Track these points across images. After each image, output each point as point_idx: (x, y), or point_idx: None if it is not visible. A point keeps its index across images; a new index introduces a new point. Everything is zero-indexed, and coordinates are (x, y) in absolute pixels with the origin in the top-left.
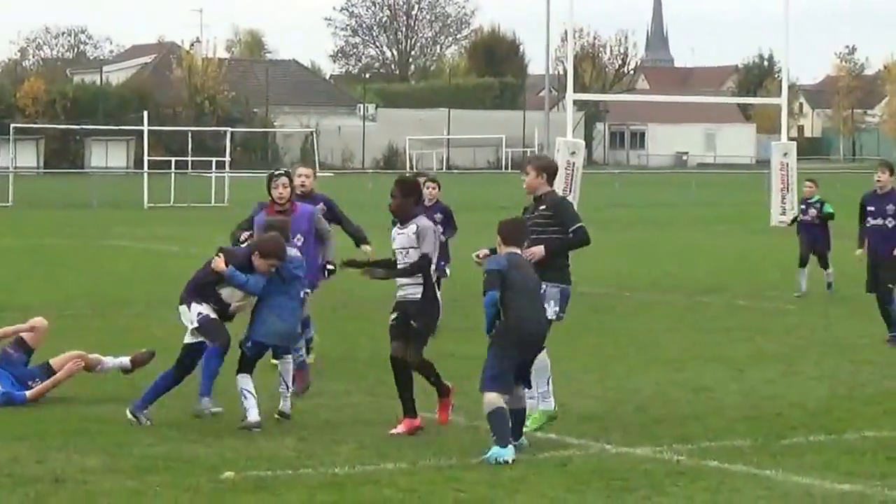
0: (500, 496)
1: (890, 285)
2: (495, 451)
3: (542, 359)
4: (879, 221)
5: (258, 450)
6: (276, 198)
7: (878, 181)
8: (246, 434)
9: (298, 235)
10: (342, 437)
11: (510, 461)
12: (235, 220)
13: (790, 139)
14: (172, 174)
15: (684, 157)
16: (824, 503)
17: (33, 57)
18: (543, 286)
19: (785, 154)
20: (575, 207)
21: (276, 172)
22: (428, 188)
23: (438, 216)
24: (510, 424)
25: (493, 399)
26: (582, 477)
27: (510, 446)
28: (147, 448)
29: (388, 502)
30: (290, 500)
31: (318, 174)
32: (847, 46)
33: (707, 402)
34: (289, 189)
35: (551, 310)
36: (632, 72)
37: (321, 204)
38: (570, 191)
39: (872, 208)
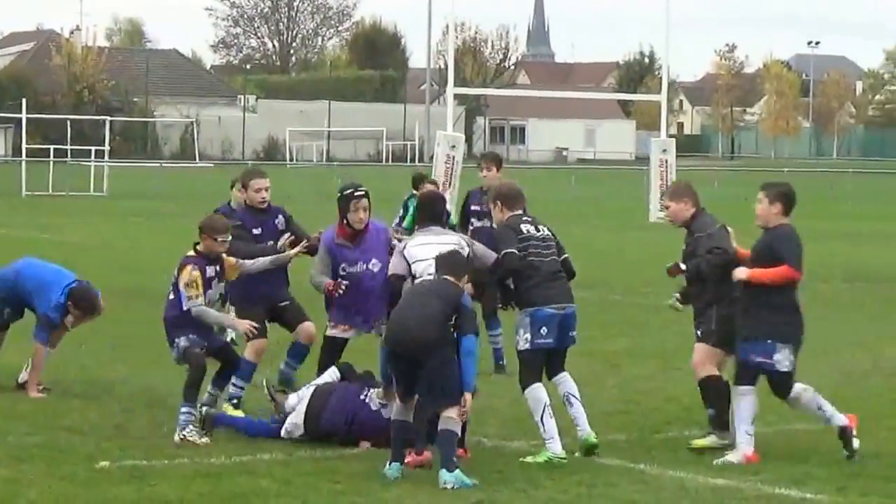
0: (376, 489)
1: None
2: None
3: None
4: None
5: (134, 439)
6: (353, 222)
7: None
8: (121, 424)
9: (374, 261)
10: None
11: (388, 478)
12: (114, 210)
13: (669, 136)
14: (51, 162)
15: (564, 153)
16: (698, 496)
17: None
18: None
19: (664, 151)
20: (452, 203)
21: (356, 193)
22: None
23: None
24: (403, 438)
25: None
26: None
27: (394, 464)
28: (23, 437)
29: (264, 493)
30: (165, 490)
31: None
32: (727, 44)
33: (582, 397)
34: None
35: (521, 339)
36: (513, 67)
37: (280, 217)
38: (450, 185)
39: None
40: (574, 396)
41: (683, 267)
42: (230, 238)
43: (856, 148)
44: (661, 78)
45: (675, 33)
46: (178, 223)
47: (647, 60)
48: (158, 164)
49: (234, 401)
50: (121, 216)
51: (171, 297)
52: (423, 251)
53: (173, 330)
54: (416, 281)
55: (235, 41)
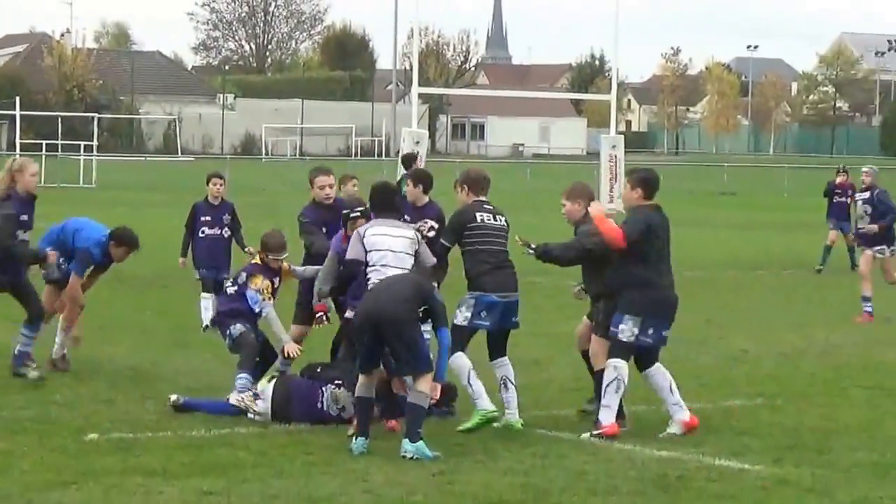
0: (345, 459)
1: None
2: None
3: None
4: None
5: (121, 413)
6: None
7: None
8: (109, 399)
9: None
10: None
11: (354, 451)
12: (101, 201)
13: (618, 133)
14: (43, 156)
15: (521, 148)
16: (644, 467)
17: None
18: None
19: (613, 147)
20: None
21: (352, 215)
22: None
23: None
24: (367, 414)
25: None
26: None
27: (359, 439)
28: (17, 411)
29: (242, 463)
30: (150, 460)
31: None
32: (672, 48)
33: (538, 375)
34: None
35: (461, 315)
36: (473, 68)
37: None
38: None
39: None
40: (510, 381)
41: (533, 245)
42: (285, 255)
43: (791, 144)
44: (610, 79)
45: (624, 37)
46: (161, 212)
47: (597, 63)
48: (143, 158)
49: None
50: (108, 206)
51: (232, 290)
52: (379, 241)
53: (228, 319)
54: (370, 267)
55: (215, 44)
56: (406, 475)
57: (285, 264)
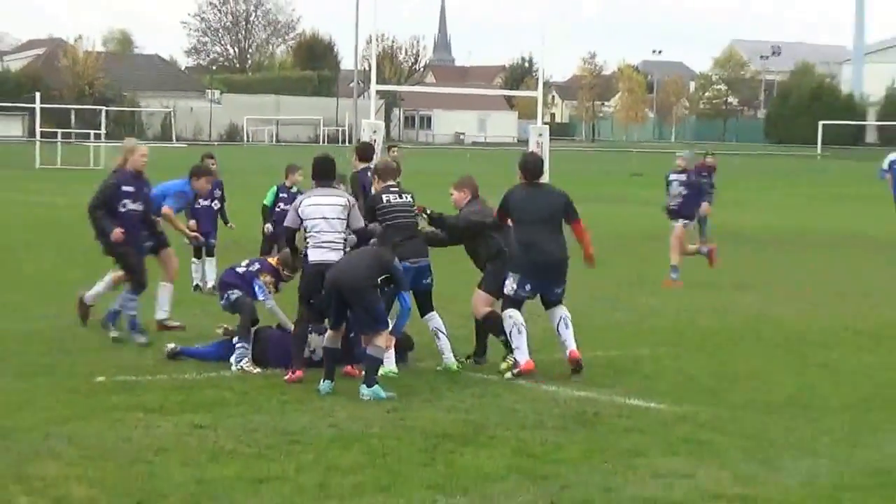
0: (313, 398)
1: None
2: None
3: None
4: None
5: (125, 360)
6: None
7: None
8: (115, 347)
9: None
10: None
11: (321, 392)
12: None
13: (544, 123)
14: (59, 143)
15: (462, 137)
16: (566, 405)
17: None
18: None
19: (539, 135)
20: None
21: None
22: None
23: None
24: (333, 362)
25: (326, 336)
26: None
27: (326, 381)
28: (36, 357)
29: (226, 401)
30: (149, 399)
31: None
32: (589, 52)
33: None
34: None
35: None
36: (422, 69)
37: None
38: (373, 163)
39: None
40: (441, 331)
41: (429, 211)
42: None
43: (689, 133)
44: (537, 78)
45: (549, 42)
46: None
47: (527, 64)
48: (143, 144)
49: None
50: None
51: (241, 270)
52: (312, 210)
53: (227, 287)
54: (307, 234)
55: (204, 48)
56: (365, 412)
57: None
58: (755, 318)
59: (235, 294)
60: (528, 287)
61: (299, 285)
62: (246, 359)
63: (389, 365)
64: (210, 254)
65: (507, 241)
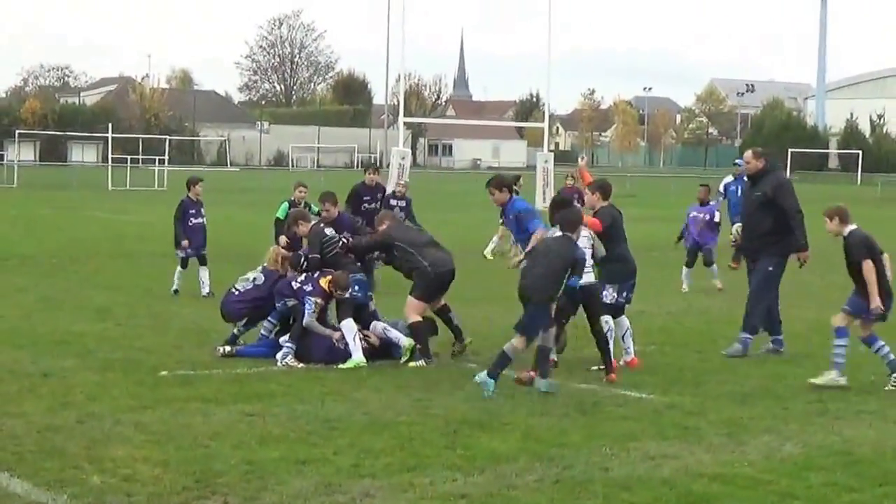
0: (350, 390)
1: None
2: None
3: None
4: None
5: (185, 356)
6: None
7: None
8: (177, 345)
9: None
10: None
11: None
12: (172, 202)
13: (550, 151)
14: (128, 167)
15: (479, 162)
16: (569, 396)
17: (32, 84)
18: None
19: (546, 161)
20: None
21: None
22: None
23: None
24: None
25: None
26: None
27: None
28: (108, 353)
29: (273, 393)
30: (204, 390)
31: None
32: (589, 88)
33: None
34: None
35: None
36: (444, 103)
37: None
38: (402, 181)
39: None
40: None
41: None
42: (349, 293)
43: (676, 160)
44: (544, 111)
45: (553, 80)
46: (217, 210)
47: (535, 99)
48: (202, 168)
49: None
50: (176, 204)
51: (295, 285)
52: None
53: (284, 296)
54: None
55: (255, 84)
56: (395, 402)
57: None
58: (729, 319)
59: (292, 302)
60: (625, 294)
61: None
62: (290, 355)
63: (357, 357)
64: (203, 263)
65: (421, 258)
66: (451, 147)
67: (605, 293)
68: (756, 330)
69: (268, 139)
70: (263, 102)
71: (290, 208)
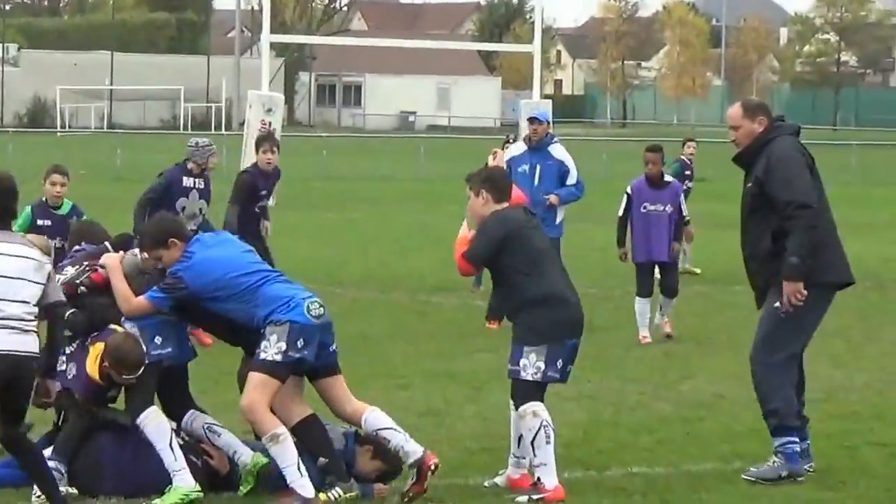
0: None
1: None
2: None
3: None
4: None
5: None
6: None
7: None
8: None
9: None
10: None
11: None
12: None
13: (544, 97)
14: None
15: (411, 118)
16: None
17: None
18: None
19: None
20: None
21: None
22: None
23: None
24: None
25: None
26: None
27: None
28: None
29: None
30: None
31: None
32: None
33: (437, 429)
34: None
35: None
36: (345, 8)
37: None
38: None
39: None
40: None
41: None
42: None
43: (780, 111)
44: (532, 23)
45: None
46: None
47: (514, 1)
48: None
49: None
50: None
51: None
52: None
53: None
54: None
55: None
56: None
57: None
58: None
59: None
60: (559, 364)
61: None
62: (63, 481)
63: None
64: None
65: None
66: (359, 90)
67: (521, 363)
68: (788, 428)
69: (16, 76)
70: (7, 7)
71: (36, 219)
